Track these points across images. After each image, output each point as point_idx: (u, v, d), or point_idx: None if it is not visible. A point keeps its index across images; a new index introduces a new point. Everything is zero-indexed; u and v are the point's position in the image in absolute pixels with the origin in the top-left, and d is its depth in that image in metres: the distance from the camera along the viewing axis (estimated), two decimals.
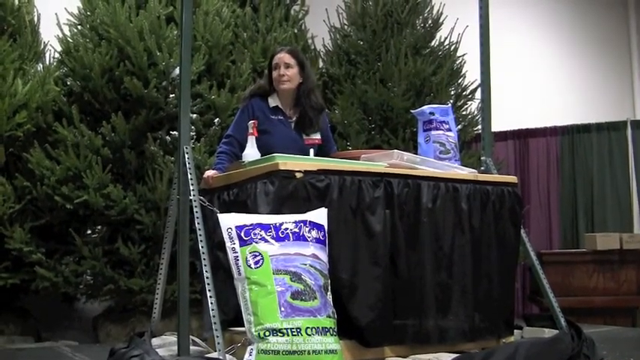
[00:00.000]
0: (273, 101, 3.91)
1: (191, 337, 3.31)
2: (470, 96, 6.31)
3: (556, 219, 7.85)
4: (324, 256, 3.02)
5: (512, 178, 3.98)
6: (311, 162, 3.32)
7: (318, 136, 3.94)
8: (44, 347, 4.85)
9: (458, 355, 3.33)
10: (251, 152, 3.55)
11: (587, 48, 8.31)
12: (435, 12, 6.40)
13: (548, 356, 3.32)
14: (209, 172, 3.65)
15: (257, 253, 2.90)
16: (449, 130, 4.09)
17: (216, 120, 5.26)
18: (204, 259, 3.15)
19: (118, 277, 4.90)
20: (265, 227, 2.96)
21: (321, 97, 4.17)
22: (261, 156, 3.49)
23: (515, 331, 3.96)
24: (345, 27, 6.51)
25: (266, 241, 2.93)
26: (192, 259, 3.34)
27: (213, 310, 3.03)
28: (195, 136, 5.10)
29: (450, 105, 4.67)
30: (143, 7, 5.34)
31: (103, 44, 5.18)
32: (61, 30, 5.46)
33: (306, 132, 3.90)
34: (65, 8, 5.52)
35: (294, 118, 3.92)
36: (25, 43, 5.42)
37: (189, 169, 3.28)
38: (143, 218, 4.92)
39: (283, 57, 3.89)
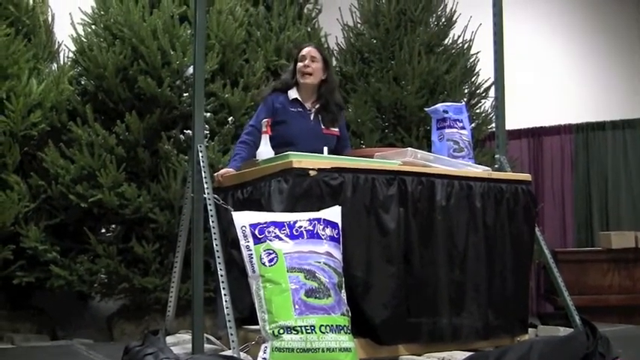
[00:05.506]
0: (293, 94, 3.96)
1: (205, 335, 3.32)
2: (484, 94, 6.28)
3: (570, 217, 7.82)
4: (338, 253, 3.01)
5: (526, 176, 3.97)
6: (325, 160, 3.32)
7: (336, 129, 3.97)
8: (59, 345, 4.87)
9: (472, 353, 3.32)
10: (265, 150, 3.56)
11: (601, 45, 8.26)
12: (448, 10, 6.37)
13: (563, 355, 3.30)
14: (220, 172, 3.66)
15: (271, 251, 2.91)
16: (463, 128, 4.08)
17: (229, 119, 5.27)
18: (218, 257, 3.16)
19: (133, 276, 4.91)
20: (279, 225, 2.97)
21: (341, 97, 4.21)
22: (280, 146, 3.52)
23: (529, 329, 3.95)
24: (359, 25, 6.50)
25: (280, 239, 2.93)
26: (206, 258, 3.34)
27: (227, 308, 3.04)
28: (209, 135, 5.11)
29: (463, 103, 4.64)
30: (157, 7, 5.37)
31: (117, 44, 5.20)
32: (75, 30, 5.47)
33: (325, 125, 3.93)
34: (79, 8, 5.53)
35: (312, 111, 3.94)
36: (39, 42, 5.46)
37: (203, 167, 3.29)
38: (157, 217, 4.94)
39: (310, 50, 3.98)
